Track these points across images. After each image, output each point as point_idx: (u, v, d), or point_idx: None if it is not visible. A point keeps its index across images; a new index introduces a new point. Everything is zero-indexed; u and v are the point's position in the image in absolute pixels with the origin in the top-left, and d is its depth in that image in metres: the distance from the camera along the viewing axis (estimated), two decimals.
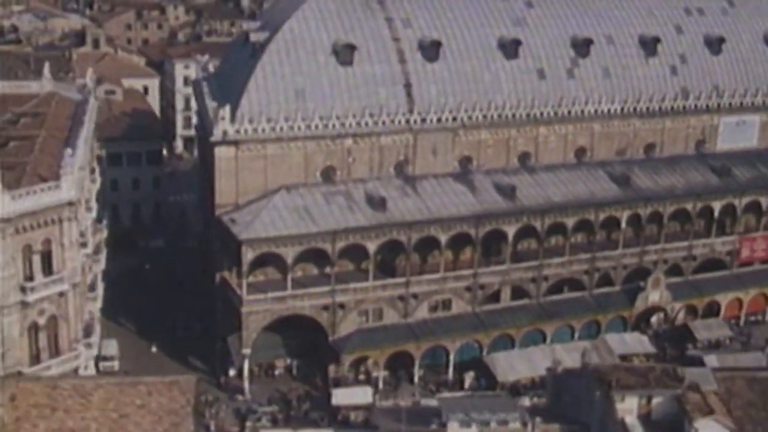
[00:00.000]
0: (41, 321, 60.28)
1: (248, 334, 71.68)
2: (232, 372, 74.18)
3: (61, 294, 60.77)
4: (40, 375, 58.28)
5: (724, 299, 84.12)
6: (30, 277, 58.96)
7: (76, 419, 45.23)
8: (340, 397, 70.01)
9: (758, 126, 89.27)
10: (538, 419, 44.42)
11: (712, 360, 75.22)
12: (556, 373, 50.28)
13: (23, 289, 58.43)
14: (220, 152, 72.48)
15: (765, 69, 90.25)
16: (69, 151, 60.25)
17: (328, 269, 74.70)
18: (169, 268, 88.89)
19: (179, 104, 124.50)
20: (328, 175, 75.76)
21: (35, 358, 60.41)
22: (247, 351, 72.05)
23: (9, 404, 44.17)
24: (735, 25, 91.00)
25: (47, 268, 59.89)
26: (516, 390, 72.84)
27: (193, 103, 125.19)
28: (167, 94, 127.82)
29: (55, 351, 61.65)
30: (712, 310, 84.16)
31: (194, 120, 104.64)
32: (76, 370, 62.62)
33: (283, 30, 76.71)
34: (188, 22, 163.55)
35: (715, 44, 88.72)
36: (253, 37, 77.86)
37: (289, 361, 76.04)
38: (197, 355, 76.54)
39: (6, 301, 57.69)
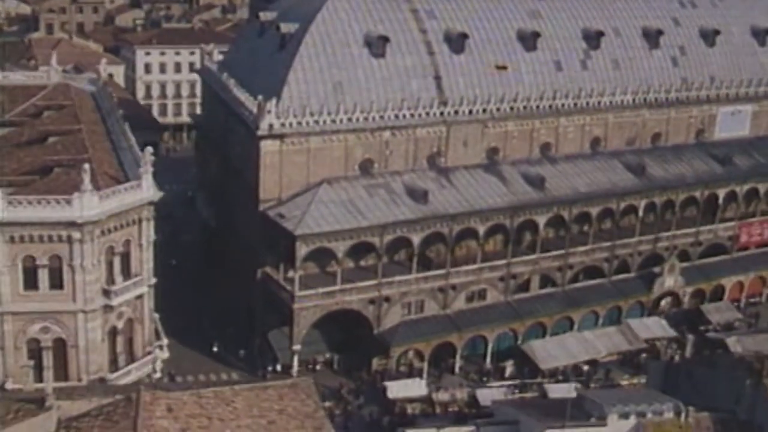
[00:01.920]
0: (120, 325, 58.52)
1: (299, 330, 71.07)
2: (270, 368, 73.34)
3: (139, 296, 59.05)
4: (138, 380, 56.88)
5: (728, 283, 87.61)
6: (111, 280, 57.07)
7: (232, 428, 44.37)
8: (396, 390, 70.30)
9: (750, 115, 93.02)
10: (691, 409, 45.73)
11: (733, 342, 78.51)
12: (668, 361, 51.56)
13: (106, 293, 56.53)
14: (266, 146, 71.27)
15: (754, 61, 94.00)
16: (149, 149, 58.24)
17: (363, 262, 74.85)
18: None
19: (155, 92, 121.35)
20: (365, 168, 75.50)
21: (113, 363, 58.58)
22: (297, 347, 71.43)
23: (169, 415, 42.94)
24: (725, 18, 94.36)
25: (126, 270, 58.06)
26: (557, 377, 74.97)
27: (170, 91, 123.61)
28: (128, 82, 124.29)
29: (130, 355, 59.93)
30: (717, 294, 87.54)
31: (184, 108, 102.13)
32: (149, 375, 61.09)
33: (317, 21, 75.86)
34: (124, 6, 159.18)
35: (710, 36, 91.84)
36: (284, 28, 76.66)
37: (328, 355, 75.68)
38: (232, 352, 75.51)
39: (91, 306, 55.77)
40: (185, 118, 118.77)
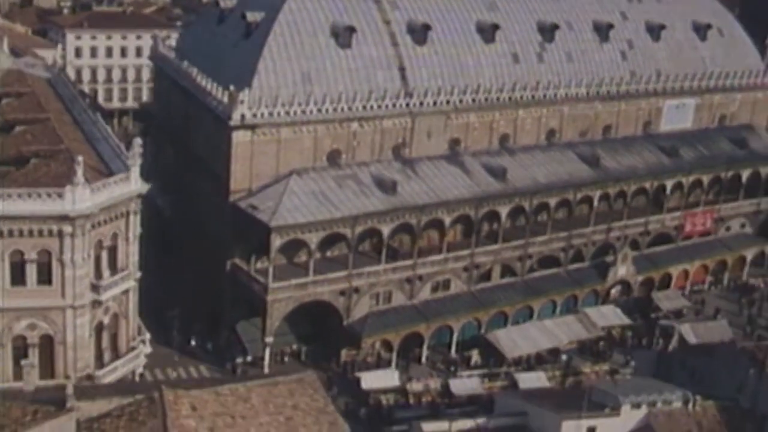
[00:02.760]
0: (106, 320, 57.30)
1: (272, 321, 70.59)
2: (240, 360, 72.69)
3: (125, 291, 57.80)
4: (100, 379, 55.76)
5: (675, 271, 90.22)
6: (99, 275, 55.71)
7: (255, 425, 43.99)
8: (369, 380, 70.49)
9: (693, 108, 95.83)
10: (698, 397, 47.16)
11: (686, 329, 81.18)
12: (660, 350, 53.00)
13: (95, 288, 55.19)
14: (237, 137, 70.40)
15: (696, 55, 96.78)
16: (138, 140, 56.94)
17: (329, 253, 74.81)
18: None
19: (100, 76, 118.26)
20: (333, 158, 75.31)
21: (98, 360, 57.27)
22: (269, 339, 70.93)
23: (194, 414, 42.29)
24: (668, 13, 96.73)
25: (113, 265, 56.77)
26: (522, 365, 76.28)
27: (115, 76, 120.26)
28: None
29: (115, 351, 58.67)
30: (664, 282, 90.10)
31: (130, 94, 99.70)
32: (133, 372, 59.97)
33: (284, 10, 75.21)
34: None
35: (655, 31, 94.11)
36: (250, 16, 75.69)
37: (295, 347, 75.35)
38: (197, 345, 74.66)
39: (80, 301, 54.41)
40: (116, 104, 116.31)
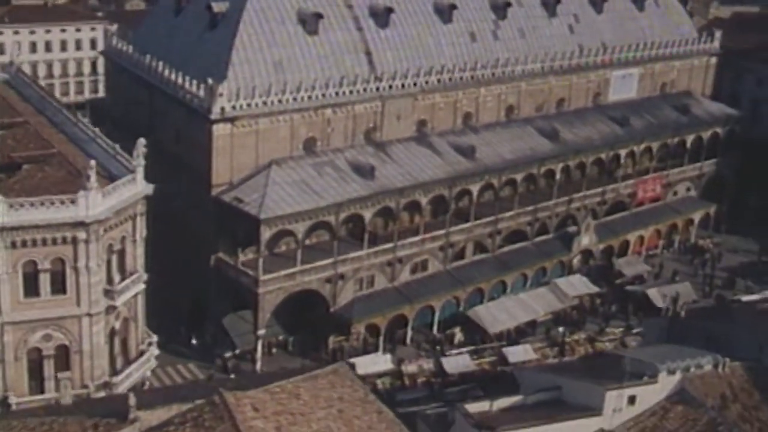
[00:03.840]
0: (117, 325, 56.17)
1: (263, 314, 70.19)
2: (229, 355, 72.15)
3: (136, 295, 56.76)
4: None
5: (632, 237, 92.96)
6: (110, 280, 54.55)
7: (315, 420, 43.91)
8: (364, 366, 70.40)
9: (637, 78, 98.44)
10: (727, 360, 48.98)
11: (654, 293, 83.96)
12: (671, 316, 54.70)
13: (109, 294, 54.07)
14: (218, 130, 69.49)
15: (636, 26, 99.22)
16: (142, 140, 55.71)
17: (308, 241, 74.56)
18: None
19: (41, 71, 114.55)
20: (309, 146, 75.07)
21: (112, 366, 56.16)
22: (262, 332, 70.58)
23: (258, 415, 42.00)
24: None
25: (122, 268, 55.67)
26: (505, 339, 77.73)
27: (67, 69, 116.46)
28: None
29: (125, 356, 57.62)
30: (623, 249, 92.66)
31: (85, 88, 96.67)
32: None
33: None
34: None
35: (598, 4, 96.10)
36: (216, 7, 74.56)
37: (281, 337, 75.06)
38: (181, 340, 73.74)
39: (96, 308, 53.25)
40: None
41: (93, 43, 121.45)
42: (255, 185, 70.61)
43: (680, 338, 55.36)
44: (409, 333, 77.29)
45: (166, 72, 74.07)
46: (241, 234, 70.13)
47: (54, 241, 51.21)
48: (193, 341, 73.56)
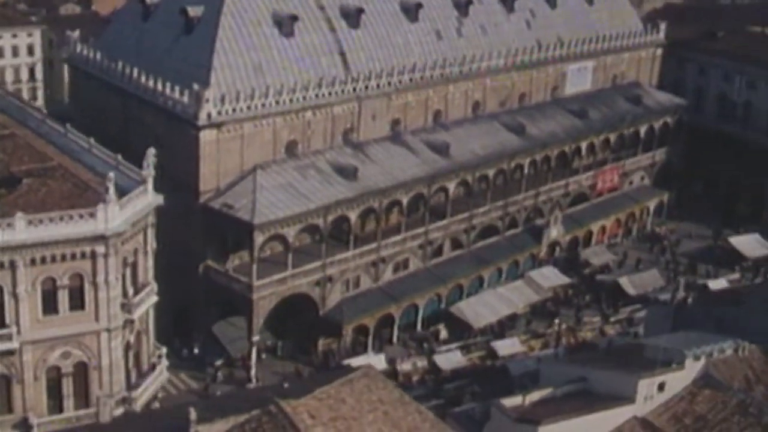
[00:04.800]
0: (132, 339, 55.18)
1: (257, 320, 69.74)
2: (220, 362, 71.57)
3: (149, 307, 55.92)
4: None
5: (595, 227, 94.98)
6: (125, 293, 53.60)
7: (367, 425, 43.99)
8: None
9: (591, 71, 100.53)
10: (746, 343, 50.67)
11: (625, 281, 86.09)
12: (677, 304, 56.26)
13: (126, 307, 53.14)
14: (204, 136, 68.72)
15: (587, 20, 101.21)
16: (152, 150, 54.77)
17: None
18: None
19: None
20: (290, 149, 74.81)
21: (127, 381, 55.18)
22: (256, 338, 70.11)
23: (316, 422, 41.86)
24: None
25: (134, 281, 54.72)
26: (489, 333, 78.80)
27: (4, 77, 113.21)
28: None
29: (138, 369, 56.66)
30: (587, 239, 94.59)
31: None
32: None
33: (227, 2, 73.51)
34: None
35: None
36: (192, 11, 73.57)
37: (269, 342, 74.65)
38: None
39: (115, 323, 52.30)
40: None
41: (30, 50, 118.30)
42: (242, 191, 70.06)
43: (687, 325, 56.97)
44: (396, 332, 77.63)
45: (143, 78, 72.79)
46: (231, 241, 69.52)
47: (73, 257, 50.11)
48: (184, 351, 72.50)
